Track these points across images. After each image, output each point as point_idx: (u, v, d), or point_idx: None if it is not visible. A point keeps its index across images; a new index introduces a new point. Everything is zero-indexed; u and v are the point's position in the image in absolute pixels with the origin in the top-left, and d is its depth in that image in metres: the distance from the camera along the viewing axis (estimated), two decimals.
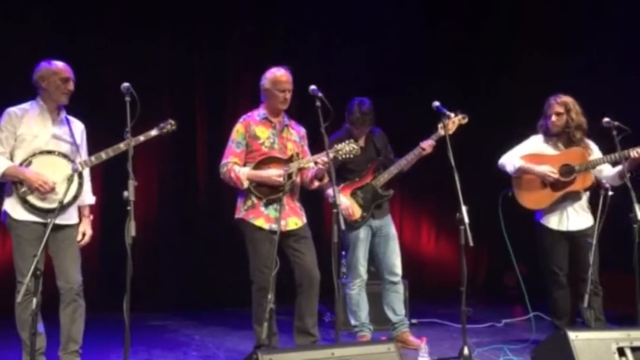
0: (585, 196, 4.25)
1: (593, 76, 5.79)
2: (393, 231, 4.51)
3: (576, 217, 4.21)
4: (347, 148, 3.82)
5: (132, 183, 3.04)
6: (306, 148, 4.08)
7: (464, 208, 3.58)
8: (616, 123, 3.93)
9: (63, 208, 3.33)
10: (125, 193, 3.02)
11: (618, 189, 3.97)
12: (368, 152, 4.43)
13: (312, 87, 3.58)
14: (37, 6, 5.52)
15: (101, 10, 5.69)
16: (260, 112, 4.00)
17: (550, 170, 4.15)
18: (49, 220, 3.29)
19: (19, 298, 3.14)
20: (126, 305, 2.97)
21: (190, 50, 6.01)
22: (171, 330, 5.10)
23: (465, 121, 4.27)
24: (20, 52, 5.19)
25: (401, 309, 4.49)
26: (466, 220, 3.57)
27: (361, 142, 4.40)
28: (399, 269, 4.48)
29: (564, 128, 4.20)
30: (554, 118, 4.19)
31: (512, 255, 4.38)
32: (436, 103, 4.02)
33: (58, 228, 3.41)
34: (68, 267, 3.49)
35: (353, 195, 4.40)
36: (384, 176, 4.41)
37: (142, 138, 3.50)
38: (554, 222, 4.23)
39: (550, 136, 4.26)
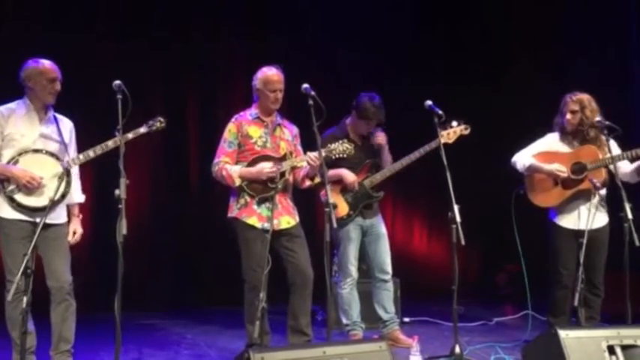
0: (599, 195, 4.14)
1: (585, 84, 5.82)
2: (383, 230, 4.50)
3: (589, 216, 4.11)
4: (340, 147, 3.81)
5: (123, 181, 3.03)
6: (299, 147, 4.07)
7: (456, 207, 3.59)
8: (607, 122, 3.94)
9: (52, 206, 3.31)
10: (117, 192, 3.01)
11: (607, 188, 3.99)
12: (363, 151, 4.41)
13: (305, 85, 3.56)
14: (27, 3, 5.48)
15: (91, 6, 5.66)
16: (252, 111, 3.99)
17: (558, 168, 4.11)
18: (37, 220, 3.28)
19: (9, 297, 3.12)
20: (117, 304, 2.96)
21: (182, 47, 5.98)
22: (162, 329, 5.09)
23: (467, 132, 4.24)
24: (10, 49, 5.16)
25: (391, 307, 4.50)
26: (458, 218, 3.58)
27: (358, 141, 4.39)
28: (389, 267, 4.49)
29: (578, 126, 4.15)
30: (568, 116, 4.13)
31: (521, 253, 4.38)
32: (428, 102, 3.99)
33: (46, 227, 3.38)
34: (58, 266, 3.47)
35: (342, 192, 4.38)
36: (377, 177, 4.39)
37: (130, 136, 3.47)
38: (566, 221, 4.17)
39: (565, 134, 4.21)
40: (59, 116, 3.66)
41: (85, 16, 5.60)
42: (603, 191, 4.15)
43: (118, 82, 3.21)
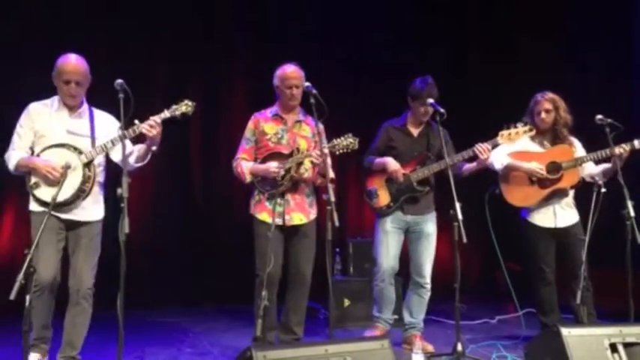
0: (571, 193, 4.28)
1: (585, 62, 5.81)
2: (428, 229, 4.27)
3: (563, 214, 4.24)
4: (344, 142, 3.81)
5: (126, 180, 3.02)
6: (322, 144, 3.91)
7: (457, 205, 3.59)
8: (609, 120, 3.95)
9: (70, 203, 3.33)
10: (119, 190, 3.00)
11: (609, 186, 3.99)
12: (417, 144, 4.31)
13: (307, 84, 3.61)
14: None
15: (94, 4, 5.65)
16: (273, 108, 4.06)
17: (538, 167, 4.18)
18: (62, 216, 3.34)
19: (11, 296, 3.10)
20: (120, 302, 2.95)
21: (182, 46, 5.98)
22: (165, 327, 5.09)
23: (533, 132, 4.05)
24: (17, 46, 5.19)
25: (419, 313, 4.30)
26: (460, 216, 3.58)
27: (415, 133, 4.34)
28: (426, 271, 4.25)
29: (552, 125, 4.23)
30: (543, 115, 4.22)
31: (499, 252, 4.42)
32: (430, 101, 4.03)
33: (77, 225, 3.41)
34: (80, 267, 3.45)
35: (387, 182, 4.29)
36: (424, 171, 4.20)
37: (157, 119, 3.34)
38: (540, 219, 4.25)
39: (536, 133, 4.25)
40: (98, 112, 3.60)
41: (88, 15, 5.58)
42: (573, 190, 4.24)
43: (119, 80, 3.19)
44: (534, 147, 4.29)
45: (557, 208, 4.23)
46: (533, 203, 4.25)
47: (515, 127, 4.00)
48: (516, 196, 4.29)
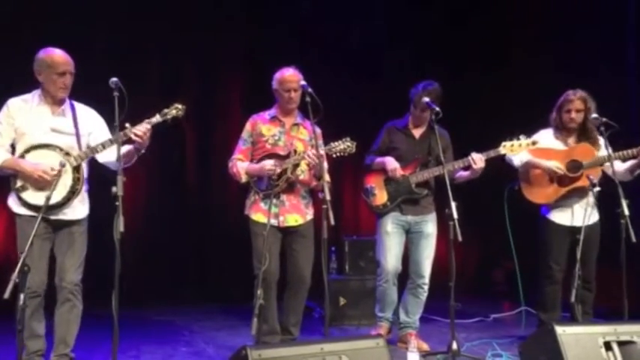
0: (593, 192, 4.15)
1: (581, 70, 5.81)
2: (428, 230, 4.27)
3: (582, 214, 4.17)
4: (341, 146, 3.81)
5: (120, 178, 3.01)
6: (320, 148, 3.88)
7: (453, 204, 3.59)
8: (604, 119, 3.95)
9: (62, 205, 3.31)
10: (114, 189, 2.99)
11: (605, 185, 4.01)
12: (418, 147, 4.31)
13: (302, 82, 3.64)
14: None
15: (91, 3, 5.63)
16: (271, 111, 4.06)
17: (557, 166, 4.15)
18: (51, 217, 3.30)
19: (6, 295, 3.08)
20: (114, 301, 2.95)
21: (178, 43, 5.97)
22: (160, 326, 5.09)
23: (535, 146, 4.04)
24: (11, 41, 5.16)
25: (415, 312, 4.32)
26: (455, 215, 3.58)
27: (416, 135, 4.34)
28: (424, 271, 4.25)
29: (582, 124, 4.19)
30: (574, 114, 4.17)
31: (514, 250, 4.42)
32: (426, 99, 4.04)
33: (63, 224, 3.38)
34: (65, 265, 3.43)
35: (386, 181, 4.29)
36: (423, 174, 4.21)
37: (146, 126, 3.32)
38: (559, 217, 4.22)
39: (562, 130, 4.23)
40: (80, 106, 3.53)
41: (85, 13, 5.56)
42: (597, 188, 4.16)
43: (114, 79, 3.16)
44: (557, 144, 4.25)
45: (576, 207, 4.18)
46: (552, 201, 4.22)
47: (519, 139, 4.00)
48: (535, 193, 4.26)
